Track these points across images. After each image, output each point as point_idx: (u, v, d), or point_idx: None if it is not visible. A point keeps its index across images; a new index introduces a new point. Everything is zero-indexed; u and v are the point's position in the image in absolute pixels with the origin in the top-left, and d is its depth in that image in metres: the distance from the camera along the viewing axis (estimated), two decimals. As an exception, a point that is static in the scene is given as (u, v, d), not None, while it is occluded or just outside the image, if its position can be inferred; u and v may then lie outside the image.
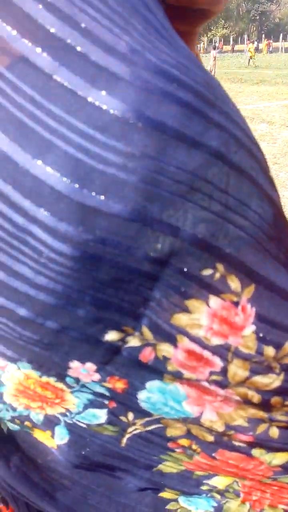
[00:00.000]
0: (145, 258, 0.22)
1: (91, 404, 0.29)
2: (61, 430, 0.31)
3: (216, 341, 0.24)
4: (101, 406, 0.29)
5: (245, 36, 50.30)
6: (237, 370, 0.25)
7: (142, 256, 0.22)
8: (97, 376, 0.27)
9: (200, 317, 0.24)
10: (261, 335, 0.24)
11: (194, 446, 0.31)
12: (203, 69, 0.23)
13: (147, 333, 0.24)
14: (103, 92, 0.20)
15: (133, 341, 0.25)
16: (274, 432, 0.28)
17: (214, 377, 0.26)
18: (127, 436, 0.30)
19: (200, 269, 0.23)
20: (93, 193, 0.21)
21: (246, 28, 63.21)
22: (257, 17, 63.58)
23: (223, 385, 0.26)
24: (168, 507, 0.35)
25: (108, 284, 0.23)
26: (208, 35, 59.17)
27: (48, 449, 0.33)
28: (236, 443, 0.30)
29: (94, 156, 0.20)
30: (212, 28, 60.57)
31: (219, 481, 0.32)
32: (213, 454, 0.31)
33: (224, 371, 0.25)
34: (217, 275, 0.23)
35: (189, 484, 0.33)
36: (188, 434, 0.30)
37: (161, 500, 0.35)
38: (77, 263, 0.22)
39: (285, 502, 0.32)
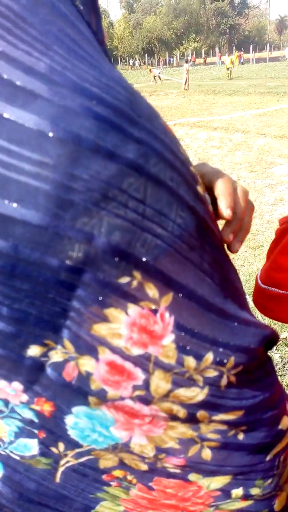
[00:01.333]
0: (60, 267, 0.22)
1: (21, 432, 0.28)
2: None
3: (136, 351, 0.24)
4: (31, 435, 0.28)
5: (217, 49, 51.49)
6: (159, 382, 0.25)
7: (57, 265, 0.22)
8: (25, 397, 0.26)
9: (119, 326, 0.24)
10: (180, 344, 0.24)
11: (129, 477, 0.30)
12: (129, 90, 0.23)
13: (69, 346, 0.24)
14: (19, 109, 0.21)
15: (56, 356, 0.25)
16: (207, 454, 0.28)
17: (137, 392, 0.25)
18: (61, 469, 0.30)
19: (117, 277, 0.23)
20: (6, 201, 0.21)
21: (217, 41, 64.75)
22: (227, 30, 65.25)
23: (147, 400, 0.26)
24: None
25: (25, 294, 0.23)
26: (180, 49, 60.32)
27: None
28: (172, 470, 0.29)
29: (9, 167, 0.21)
30: (183, 42, 61.81)
31: None
32: (150, 484, 0.30)
33: (146, 384, 0.25)
34: (134, 282, 0.23)
35: None
36: (121, 465, 0.29)
37: None
38: None
39: None
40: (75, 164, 0.22)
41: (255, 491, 0.30)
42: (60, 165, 0.21)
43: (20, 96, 0.21)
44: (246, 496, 0.30)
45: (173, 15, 61.98)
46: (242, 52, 43.41)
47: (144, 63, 50.83)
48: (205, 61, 43.27)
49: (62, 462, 0.29)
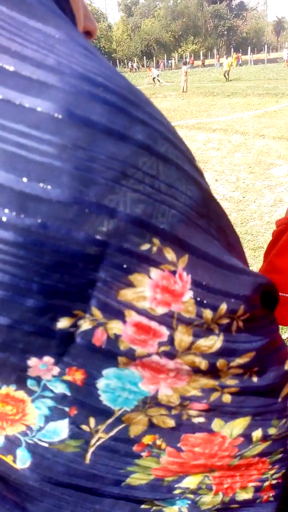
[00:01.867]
0: (87, 241, 0.24)
1: (52, 414, 0.30)
2: (23, 453, 0.31)
3: (161, 310, 0.27)
4: (62, 415, 0.30)
5: (215, 51, 51.63)
6: (182, 336, 0.28)
7: (84, 239, 0.24)
8: (56, 370, 0.28)
9: (144, 289, 0.26)
10: (198, 299, 0.27)
11: (158, 441, 0.32)
12: (125, 78, 0.26)
13: (97, 313, 0.26)
14: (35, 97, 0.23)
15: (85, 324, 0.27)
16: (227, 398, 0.31)
17: (163, 348, 0.28)
18: (91, 450, 0.31)
19: (139, 245, 0.25)
20: (32, 181, 0.23)
21: (215, 43, 64.91)
22: (225, 32, 65.43)
23: (172, 355, 0.28)
24: (142, 506, 0.35)
25: (53, 269, 0.24)
26: (179, 51, 60.47)
27: (13, 468, 0.33)
28: (196, 421, 0.31)
29: (31, 149, 0.23)
30: (182, 45, 61.97)
31: (190, 481, 0.34)
32: (178, 445, 0.32)
33: (171, 340, 0.28)
34: (154, 248, 0.26)
35: (161, 492, 0.34)
36: (150, 427, 0.31)
37: (135, 501, 0.35)
38: (21, 250, 0.24)
39: (254, 479, 0.34)
40: (92, 146, 0.24)
41: (272, 430, 0.33)
42: (78, 147, 0.23)
43: (35, 86, 0.23)
44: (265, 437, 0.33)
45: (171, 18, 62.19)
46: (240, 54, 43.53)
47: (143, 65, 50.96)
48: (203, 63, 43.42)
49: (92, 441, 0.31)
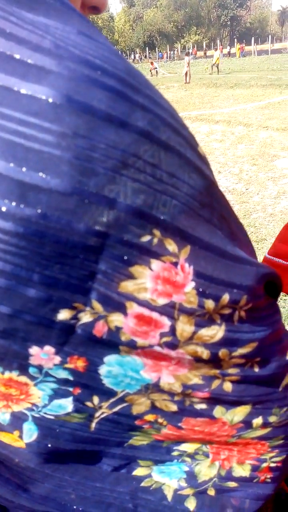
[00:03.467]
0: (88, 232, 0.24)
1: (55, 394, 0.30)
2: (30, 426, 0.32)
3: (162, 301, 0.26)
4: (66, 394, 0.30)
5: (218, 42, 51.10)
6: (184, 326, 0.27)
7: (84, 230, 0.24)
8: (58, 359, 0.28)
9: (145, 281, 0.26)
10: (200, 290, 0.27)
11: (160, 420, 0.32)
12: (123, 59, 0.25)
13: (98, 306, 0.26)
14: (34, 84, 0.22)
15: (85, 317, 0.26)
16: (228, 386, 0.31)
17: (164, 339, 0.28)
18: (95, 420, 0.31)
19: (139, 236, 0.25)
20: (32, 171, 0.22)
21: (218, 33, 64.24)
22: (228, 23, 64.73)
23: (174, 345, 0.28)
24: (142, 484, 0.36)
25: (54, 260, 0.24)
26: (182, 42, 59.91)
27: (17, 449, 0.33)
28: (198, 407, 0.32)
29: (30, 138, 0.22)
30: (184, 35, 61.37)
31: (188, 446, 0.35)
32: (179, 424, 0.32)
33: (172, 330, 0.27)
34: (155, 240, 0.25)
35: (160, 452, 0.35)
36: (153, 409, 0.31)
37: (136, 479, 0.36)
38: (21, 240, 0.23)
39: (251, 457, 0.34)
40: (93, 134, 0.23)
41: (272, 418, 0.33)
42: (78, 135, 0.23)
43: (33, 72, 0.23)
44: (265, 424, 0.33)
45: (173, 8, 61.54)
46: (243, 45, 43.09)
47: (146, 56, 50.56)
48: (205, 53, 43.03)
49: (96, 414, 0.31)
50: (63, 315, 0.26)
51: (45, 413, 0.31)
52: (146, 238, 0.25)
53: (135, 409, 0.31)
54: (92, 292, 0.26)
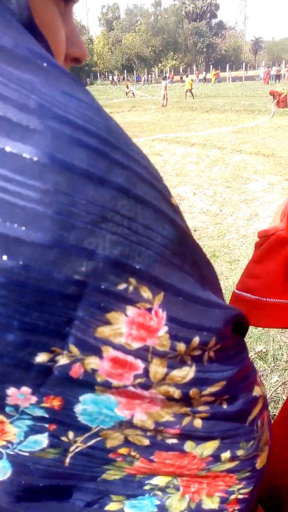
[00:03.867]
0: (67, 281, 0.25)
1: (31, 430, 0.31)
2: (4, 464, 0.32)
3: (136, 345, 0.28)
4: (41, 430, 0.31)
5: (194, 67, 52.71)
6: (157, 368, 0.29)
7: (64, 280, 0.25)
8: (34, 399, 0.29)
9: (120, 326, 0.27)
10: (173, 333, 0.29)
11: (133, 453, 0.33)
12: (104, 117, 0.27)
13: (75, 350, 0.27)
14: (19, 142, 0.24)
15: (62, 360, 0.28)
16: (198, 422, 0.33)
17: (138, 380, 0.29)
18: (70, 455, 0.32)
19: (116, 285, 0.26)
20: (15, 225, 0.24)
21: (195, 59, 66.31)
22: (204, 49, 66.99)
23: (147, 386, 0.30)
24: None
25: (33, 308, 0.25)
26: (159, 66, 61.43)
27: None
28: (169, 442, 0.33)
29: (15, 194, 0.24)
30: (162, 60, 63.02)
31: (160, 480, 0.36)
32: (151, 457, 0.34)
33: (146, 372, 0.29)
34: (131, 288, 0.27)
35: (132, 487, 0.36)
36: (126, 443, 0.33)
37: None
38: (2, 289, 0.25)
39: (220, 489, 0.36)
40: (73, 191, 0.25)
41: (240, 452, 0.34)
42: (60, 192, 0.24)
43: (18, 130, 0.24)
44: (233, 458, 0.34)
45: (151, 33, 63.31)
46: (219, 71, 44.59)
47: (124, 79, 51.51)
48: (181, 78, 44.23)
49: (71, 448, 0.32)
50: (41, 358, 0.27)
51: (20, 450, 0.31)
52: (122, 286, 0.26)
53: (109, 443, 0.32)
54: (70, 337, 0.27)
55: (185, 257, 0.30)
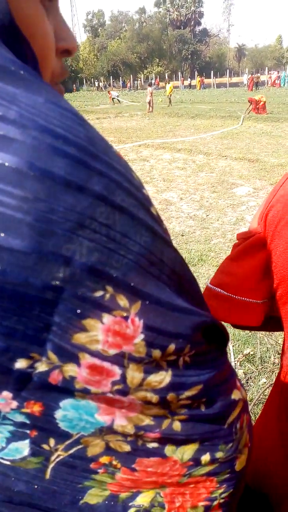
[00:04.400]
0: (44, 287, 0.26)
1: (13, 436, 0.31)
2: None
3: (112, 351, 0.28)
4: (23, 436, 0.31)
5: (179, 74, 53.21)
6: (134, 373, 0.30)
7: (41, 285, 0.26)
8: (15, 404, 0.29)
9: (96, 333, 0.28)
10: (149, 341, 0.29)
11: (114, 462, 0.34)
12: (85, 126, 0.28)
13: (53, 357, 0.28)
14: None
15: (41, 367, 0.28)
16: (177, 425, 0.33)
17: (116, 387, 0.30)
18: (51, 465, 0.32)
19: (93, 291, 0.27)
20: None
21: (179, 66, 66.94)
22: (189, 56, 67.69)
23: (125, 392, 0.30)
24: None
25: (12, 312, 0.26)
26: (145, 73, 61.83)
27: None
28: (150, 446, 0.34)
29: None
30: (147, 66, 63.45)
31: (143, 498, 0.35)
32: (133, 466, 0.34)
33: (123, 378, 0.29)
34: (107, 295, 0.27)
35: (117, 511, 0.35)
36: (107, 450, 0.33)
37: None
38: None
39: (203, 498, 0.36)
40: (52, 198, 0.25)
41: (219, 454, 0.35)
42: (39, 199, 0.25)
43: None
44: (213, 461, 0.35)
45: (136, 40, 63.74)
46: (203, 77, 45.09)
47: (110, 85, 51.70)
48: (165, 84, 44.54)
49: (52, 457, 0.32)
50: (20, 364, 0.28)
51: (2, 458, 0.32)
52: (99, 293, 0.27)
53: (90, 451, 0.32)
54: (48, 343, 0.27)
55: (163, 266, 0.30)
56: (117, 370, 0.29)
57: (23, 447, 0.31)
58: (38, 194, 0.25)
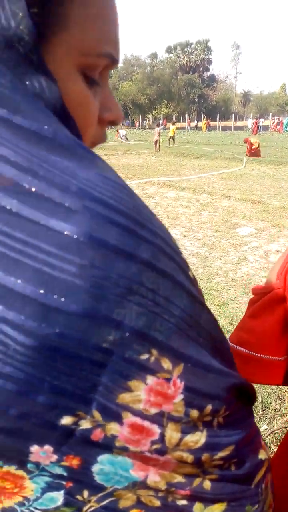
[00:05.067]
0: (95, 349, 0.28)
1: (49, 487, 0.32)
2: None
3: (153, 410, 0.30)
4: (58, 487, 0.32)
5: (186, 115, 55.03)
6: (172, 433, 0.31)
7: (93, 347, 0.27)
8: (55, 457, 0.30)
9: (140, 393, 0.29)
10: (188, 401, 0.31)
11: None
12: (133, 197, 0.30)
13: (97, 415, 0.29)
14: (61, 221, 0.27)
15: (85, 424, 0.29)
16: (208, 484, 0.34)
17: (155, 446, 0.31)
18: None
19: (139, 354, 0.28)
20: (55, 296, 0.26)
21: (187, 108, 69.37)
22: (196, 99, 70.27)
23: (162, 452, 0.31)
24: None
25: (63, 372, 0.27)
26: (153, 113, 64.02)
27: None
28: (179, 503, 0.34)
29: (56, 268, 0.27)
30: (156, 107, 65.76)
31: None
32: None
33: (162, 438, 0.31)
34: (152, 358, 0.29)
35: None
36: (138, 503, 0.34)
37: None
38: (37, 353, 0.27)
39: None
40: (106, 265, 0.27)
41: None
42: (95, 267, 0.27)
43: (61, 211, 0.27)
44: None
45: (147, 83, 66.40)
46: (209, 120, 46.56)
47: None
48: (172, 124, 45.96)
49: (85, 508, 0.33)
50: (66, 420, 0.29)
51: (35, 508, 0.33)
52: (144, 356, 0.28)
53: (121, 503, 0.33)
54: (93, 402, 0.29)
55: (200, 329, 0.32)
56: (156, 429, 0.30)
57: (58, 497, 0.32)
58: (94, 261, 0.27)
